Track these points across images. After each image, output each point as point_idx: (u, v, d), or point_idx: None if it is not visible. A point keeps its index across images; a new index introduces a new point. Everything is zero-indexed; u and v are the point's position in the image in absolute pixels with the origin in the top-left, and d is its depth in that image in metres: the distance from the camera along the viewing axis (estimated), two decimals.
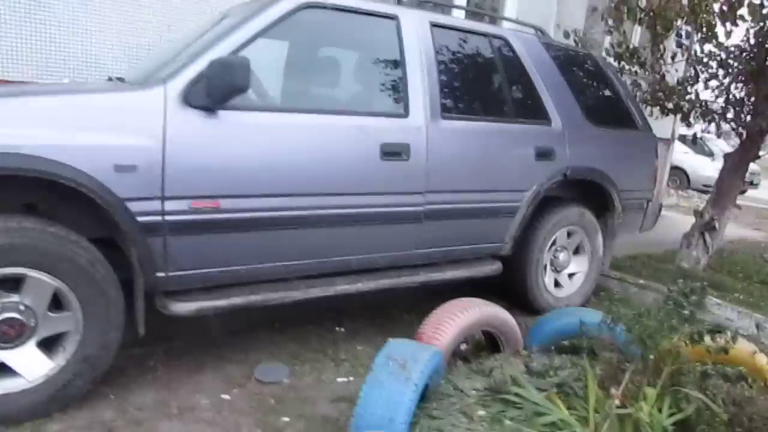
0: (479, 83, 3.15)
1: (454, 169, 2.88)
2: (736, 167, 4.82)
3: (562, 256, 3.58)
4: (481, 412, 2.12)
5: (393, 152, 2.63)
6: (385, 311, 3.31)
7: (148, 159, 2.04)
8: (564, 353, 2.52)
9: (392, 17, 2.75)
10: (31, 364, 1.98)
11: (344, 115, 2.54)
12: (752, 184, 11.84)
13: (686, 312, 2.05)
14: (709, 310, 3.99)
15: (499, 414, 2.08)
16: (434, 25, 2.90)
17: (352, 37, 2.78)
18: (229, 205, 2.23)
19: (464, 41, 3.06)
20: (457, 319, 2.44)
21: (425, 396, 2.05)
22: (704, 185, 11.26)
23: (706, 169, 11.59)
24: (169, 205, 2.11)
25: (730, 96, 4.75)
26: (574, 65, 3.63)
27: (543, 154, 3.23)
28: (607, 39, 4.78)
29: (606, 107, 3.77)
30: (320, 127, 2.46)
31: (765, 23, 4.15)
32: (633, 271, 4.78)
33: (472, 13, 3.62)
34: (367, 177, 2.58)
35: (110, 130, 2.00)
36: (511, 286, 3.43)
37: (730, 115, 4.89)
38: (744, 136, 4.77)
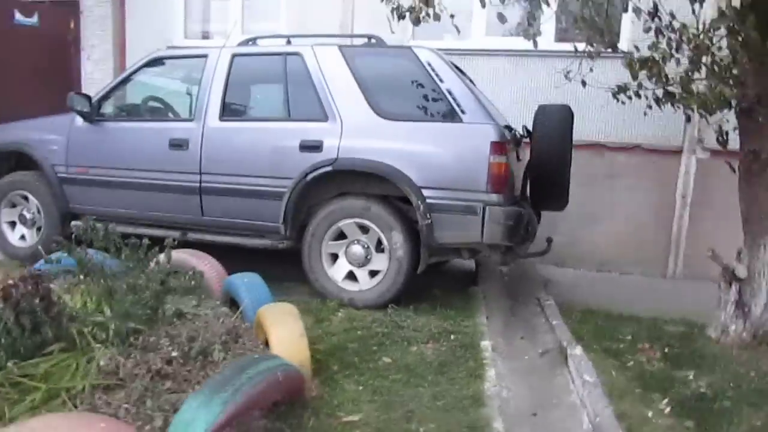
0: (259, 94, 3.92)
1: (224, 158, 3.86)
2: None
3: (355, 249, 3.62)
4: None
5: (176, 144, 3.95)
6: None
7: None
8: None
9: (204, 56, 4.07)
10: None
11: (148, 122, 4.09)
12: None
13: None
14: None
15: None
16: (237, 55, 3.99)
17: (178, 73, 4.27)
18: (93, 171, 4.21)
19: (259, 63, 3.96)
20: None
21: None
22: None
23: None
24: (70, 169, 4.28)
25: None
26: (382, 66, 3.68)
27: (308, 147, 3.63)
28: None
29: (414, 101, 3.53)
30: (134, 130, 4.13)
31: None
32: (619, 336, 3.35)
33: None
34: (160, 160, 4.00)
35: None
36: None
37: None
38: None
